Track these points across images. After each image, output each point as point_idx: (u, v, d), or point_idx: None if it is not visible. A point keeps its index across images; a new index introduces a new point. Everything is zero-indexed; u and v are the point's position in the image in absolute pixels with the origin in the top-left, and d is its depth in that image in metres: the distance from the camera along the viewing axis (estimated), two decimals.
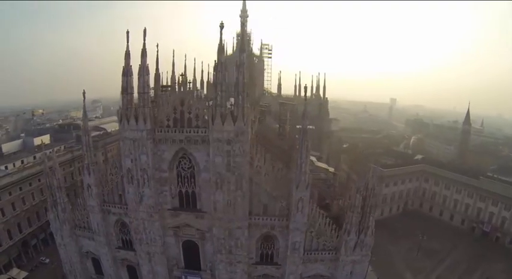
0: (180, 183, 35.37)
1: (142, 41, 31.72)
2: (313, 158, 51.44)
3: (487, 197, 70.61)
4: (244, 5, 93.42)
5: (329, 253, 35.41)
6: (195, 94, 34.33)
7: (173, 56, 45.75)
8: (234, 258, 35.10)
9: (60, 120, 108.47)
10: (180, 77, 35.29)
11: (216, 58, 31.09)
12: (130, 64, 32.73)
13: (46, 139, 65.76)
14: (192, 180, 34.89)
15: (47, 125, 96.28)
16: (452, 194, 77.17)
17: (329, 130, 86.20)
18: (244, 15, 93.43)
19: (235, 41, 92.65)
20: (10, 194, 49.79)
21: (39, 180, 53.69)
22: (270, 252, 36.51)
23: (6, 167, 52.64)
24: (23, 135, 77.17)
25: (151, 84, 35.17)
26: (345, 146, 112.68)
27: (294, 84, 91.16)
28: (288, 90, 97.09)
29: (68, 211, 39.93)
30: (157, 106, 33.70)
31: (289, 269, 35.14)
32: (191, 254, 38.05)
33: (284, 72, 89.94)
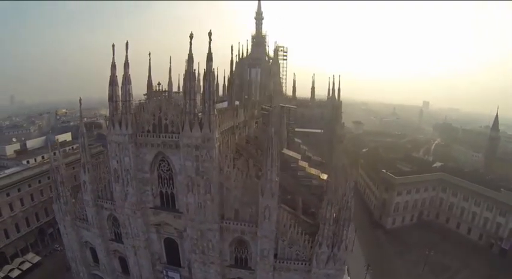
0: (160, 184, 36.76)
1: (125, 53, 33.95)
2: (305, 164, 50.70)
3: (508, 211, 63.59)
4: (259, 7, 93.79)
5: (302, 264, 34.22)
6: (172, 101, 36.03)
7: (170, 62, 48.02)
8: (207, 258, 35.60)
9: (85, 118, 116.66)
10: (157, 85, 37.13)
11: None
12: (116, 75, 35.40)
13: (68, 136, 72.39)
14: (171, 182, 36.00)
15: (71, 123, 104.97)
16: (471, 206, 70.65)
17: (341, 133, 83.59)
18: (259, 17, 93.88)
19: (249, 43, 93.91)
20: (30, 186, 55.76)
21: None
22: (243, 257, 36.40)
23: (27, 162, 59.15)
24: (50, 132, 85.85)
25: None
26: (364, 150, 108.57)
27: (311, 86, 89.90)
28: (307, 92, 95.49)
29: (70, 203, 43.58)
30: (139, 113, 36.13)
31: (260, 275, 34.80)
32: (172, 251, 39.33)
33: (305, 74, 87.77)
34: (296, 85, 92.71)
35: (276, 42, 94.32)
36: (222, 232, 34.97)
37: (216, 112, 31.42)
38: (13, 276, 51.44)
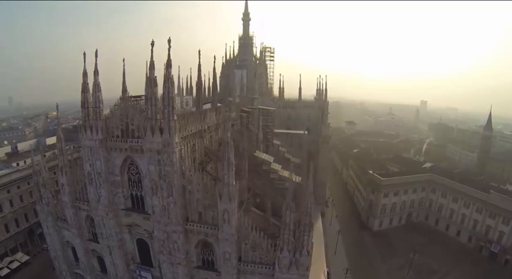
0: (130, 186, 38.33)
1: (95, 61, 35.77)
2: (278, 167, 51.70)
3: (497, 214, 62.87)
4: (246, 7, 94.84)
5: (266, 267, 34.65)
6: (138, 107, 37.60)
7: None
8: (174, 259, 36.68)
9: (78, 121, 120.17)
10: (124, 93, 38.61)
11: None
12: (87, 82, 37.12)
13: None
14: (140, 184, 37.37)
15: (63, 125, 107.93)
16: (460, 208, 70.14)
17: (327, 134, 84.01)
18: (246, 18, 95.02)
19: (236, 45, 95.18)
20: (19, 187, 58.31)
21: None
22: (210, 259, 37.35)
23: (17, 164, 62.03)
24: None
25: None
26: (355, 151, 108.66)
27: (299, 86, 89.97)
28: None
29: (52, 204, 45.49)
30: (109, 118, 38.00)
31: (225, 277, 35.66)
32: (144, 251, 40.65)
33: (301, 74, 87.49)
34: (288, 86, 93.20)
35: (262, 43, 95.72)
36: (187, 233, 36.01)
37: (175, 118, 32.79)
38: (2, 275, 53.88)
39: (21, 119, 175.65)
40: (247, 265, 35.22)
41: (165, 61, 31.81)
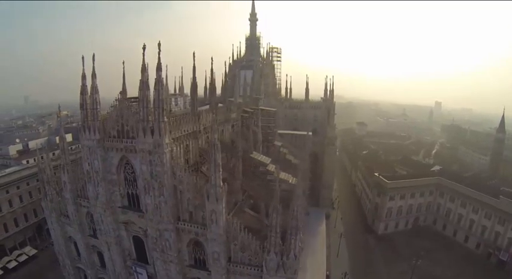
0: (126, 185, 40.17)
1: (92, 65, 37.90)
2: (273, 168, 52.23)
3: (507, 220, 61.09)
4: (253, 8, 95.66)
5: (255, 269, 35.08)
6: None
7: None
8: (166, 257, 38.17)
9: None
10: (119, 94, 40.48)
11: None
12: (86, 84, 39.37)
13: (69, 137, 78.54)
14: (135, 183, 39.04)
15: (74, 124, 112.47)
16: (469, 213, 68.49)
17: (333, 136, 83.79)
18: (253, 19, 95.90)
19: (242, 45, 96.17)
20: (28, 184, 61.89)
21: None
22: (201, 258, 38.48)
23: (27, 162, 65.81)
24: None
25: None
26: (364, 152, 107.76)
27: (305, 87, 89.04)
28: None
29: (56, 201, 48.16)
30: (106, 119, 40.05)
31: (215, 277, 36.61)
32: (140, 248, 42.45)
33: (312, 75, 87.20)
34: (298, 86, 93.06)
35: (269, 43, 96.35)
36: (178, 232, 37.39)
37: (166, 119, 34.26)
38: (10, 267, 57.61)
39: (36, 117, 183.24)
40: (236, 266, 35.90)
41: (157, 65, 33.15)
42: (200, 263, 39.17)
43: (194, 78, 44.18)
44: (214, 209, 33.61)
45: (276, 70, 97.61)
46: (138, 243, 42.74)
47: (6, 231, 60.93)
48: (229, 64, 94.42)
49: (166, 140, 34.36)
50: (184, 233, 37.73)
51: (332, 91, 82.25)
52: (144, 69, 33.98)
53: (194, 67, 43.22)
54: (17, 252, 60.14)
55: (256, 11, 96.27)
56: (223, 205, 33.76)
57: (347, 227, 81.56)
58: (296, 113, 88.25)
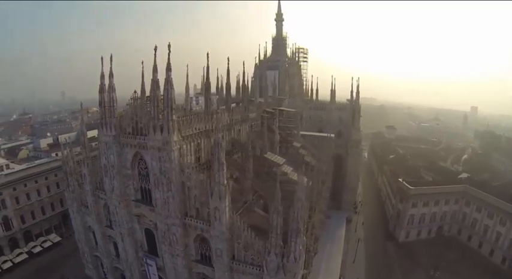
0: (140, 180, 42.86)
1: (109, 65, 40.60)
2: (288, 169, 52.84)
3: None
4: (279, 8, 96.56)
5: (257, 269, 35.65)
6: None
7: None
8: (173, 251, 40.17)
9: None
10: (134, 93, 42.96)
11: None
12: (105, 83, 42.09)
13: (95, 133, 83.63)
14: (147, 178, 41.35)
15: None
16: (496, 224, 64.66)
17: (357, 139, 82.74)
18: (279, 19, 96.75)
19: (269, 45, 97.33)
20: (56, 175, 67.30)
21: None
22: (207, 254, 39.85)
23: (56, 154, 71.29)
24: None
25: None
26: (391, 156, 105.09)
27: (331, 88, 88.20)
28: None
29: (77, 192, 52.29)
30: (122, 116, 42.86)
31: (217, 273, 37.90)
32: (152, 241, 44.93)
33: (341, 76, 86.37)
34: (325, 87, 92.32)
35: (295, 44, 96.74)
36: (185, 227, 39.22)
37: (174, 118, 36.10)
38: (35, 252, 63.43)
39: (70, 112, 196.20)
40: (239, 264, 36.85)
41: (167, 65, 35.08)
42: (206, 259, 40.68)
43: (207, 78, 45.97)
44: (217, 206, 34.89)
45: (302, 71, 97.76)
46: (150, 236, 45.23)
47: (34, 218, 66.94)
48: (255, 64, 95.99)
49: (175, 138, 36.18)
50: (191, 228, 39.50)
51: (358, 92, 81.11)
52: (155, 69, 36.13)
53: (208, 67, 45.05)
54: (42, 238, 66.02)
55: (282, 11, 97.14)
56: (227, 203, 34.94)
57: (368, 232, 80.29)
58: (321, 114, 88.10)
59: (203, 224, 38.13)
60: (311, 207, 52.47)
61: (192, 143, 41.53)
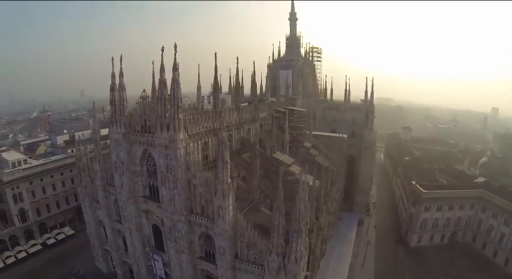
0: (148, 176, 44.31)
1: (119, 65, 42.09)
2: (297, 169, 52.93)
3: None
4: (292, 8, 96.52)
5: (259, 268, 35.87)
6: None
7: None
8: (179, 247, 41.32)
9: None
10: (143, 92, 44.23)
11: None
12: (115, 83, 43.80)
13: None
14: (155, 175, 42.57)
15: None
16: None
17: (370, 140, 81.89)
18: (293, 18, 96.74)
19: (282, 45, 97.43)
20: (71, 171, 70.31)
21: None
22: (212, 251, 40.39)
23: (72, 151, 74.21)
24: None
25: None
26: (406, 158, 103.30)
27: (345, 88, 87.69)
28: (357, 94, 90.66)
29: (89, 187, 54.51)
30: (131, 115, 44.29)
31: (220, 271, 38.63)
32: (159, 236, 46.18)
33: (357, 76, 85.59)
34: (340, 87, 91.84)
35: (308, 43, 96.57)
36: (191, 224, 40.26)
37: (180, 116, 37.09)
38: (48, 243, 66.65)
39: (89, 110, 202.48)
40: (241, 263, 37.33)
41: (173, 65, 36.16)
42: (210, 257, 41.38)
43: (215, 77, 46.84)
44: (221, 204, 35.62)
45: (316, 70, 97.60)
46: (157, 232, 46.59)
47: (49, 211, 70.33)
48: (269, 64, 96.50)
49: (181, 136, 37.21)
50: (196, 225, 40.48)
51: (372, 93, 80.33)
52: (162, 69, 37.28)
53: (216, 67, 45.80)
54: (56, 231, 69.12)
55: (295, 11, 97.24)
56: (230, 202, 35.56)
57: (379, 235, 79.33)
58: (335, 115, 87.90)
59: (208, 221, 38.95)
60: (318, 208, 52.70)
61: (199, 142, 42.58)
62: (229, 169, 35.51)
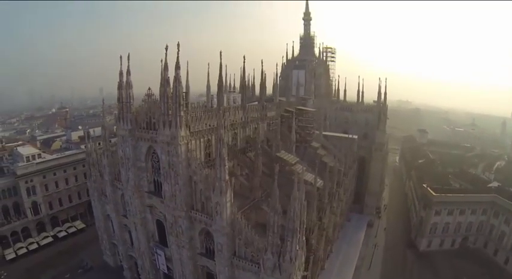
0: (153, 172, 45.91)
1: (127, 63, 43.73)
2: (301, 169, 53.19)
3: None
4: (307, 7, 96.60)
5: (255, 266, 36.09)
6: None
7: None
8: (180, 242, 42.49)
9: None
10: (148, 90, 45.69)
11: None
12: (123, 81, 45.49)
13: None
14: (160, 171, 43.73)
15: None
16: None
17: (382, 141, 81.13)
18: (307, 18, 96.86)
19: (296, 45, 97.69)
20: (84, 166, 73.20)
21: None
22: (212, 248, 41.03)
23: (85, 147, 77.10)
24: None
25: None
26: (420, 161, 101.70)
27: (357, 89, 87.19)
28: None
29: (98, 182, 56.87)
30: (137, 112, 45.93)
31: (218, 267, 39.20)
32: (162, 231, 47.67)
33: (371, 76, 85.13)
34: (354, 88, 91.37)
35: (322, 43, 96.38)
36: (191, 220, 41.39)
37: (182, 114, 38.26)
38: (60, 236, 69.68)
39: (107, 107, 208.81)
40: (239, 260, 37.82)
41: (176, 63, 37.14)
42: (210, 253, 42.24)
43: (220, 76, 47.86)
44: (218, 201, 36.38)
45: (330, 71, 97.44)
46: (161, 227, 48.10)
47: (61, 205, 73.64)
48: (282, 64, 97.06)
49: (182, 133, 38.35)
50: (196, 221, 41.60)
51: (385, 94, 79.58)
52: (165, 67, 38.60)
53: (221, 65, 46.83)
54: (67, 224, 72.28)
55: (310, 11, 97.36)
56: (228, 199, 36.26)
57: (388, 238, 78.49)
58: (347, 116, 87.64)
59: (207, 218, 39.88)
60: (321, 208, 52.91)
61: (202, 139, 43.71)
62: (227, 166, 36.14)
